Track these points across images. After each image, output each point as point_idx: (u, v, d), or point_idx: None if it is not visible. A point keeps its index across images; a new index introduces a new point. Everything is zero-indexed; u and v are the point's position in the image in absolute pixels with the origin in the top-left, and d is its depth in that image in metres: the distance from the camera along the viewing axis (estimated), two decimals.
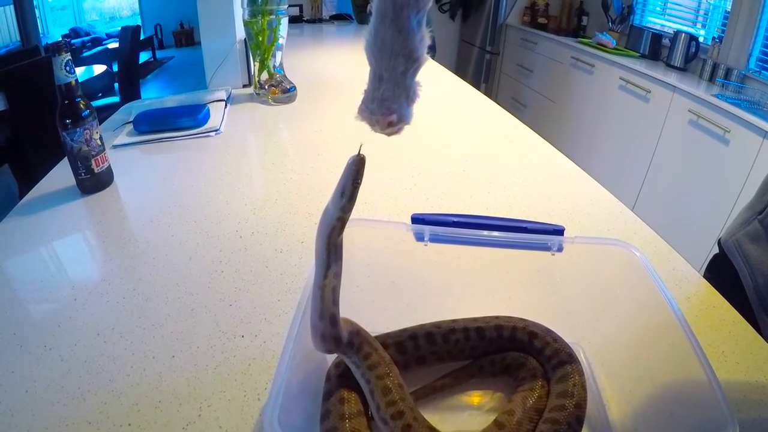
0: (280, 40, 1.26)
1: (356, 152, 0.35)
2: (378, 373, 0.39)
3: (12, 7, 4.53)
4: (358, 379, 0.41)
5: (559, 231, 0.47)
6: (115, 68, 3.24)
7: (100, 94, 3.25)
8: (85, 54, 5.31)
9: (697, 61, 2.43)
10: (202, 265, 0.63)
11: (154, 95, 4.11)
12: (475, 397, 0.47)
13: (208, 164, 0.94)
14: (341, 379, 0.42)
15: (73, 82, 0.74)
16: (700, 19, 2.60)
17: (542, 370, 0.45)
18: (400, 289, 0.52)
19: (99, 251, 0.68)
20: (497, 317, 0.48)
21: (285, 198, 0.80)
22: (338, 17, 3.13)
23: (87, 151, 0.77)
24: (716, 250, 0.73)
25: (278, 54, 1.28)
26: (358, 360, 0.40)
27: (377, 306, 0.50)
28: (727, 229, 0.70)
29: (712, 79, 2.28)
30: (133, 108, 1.15)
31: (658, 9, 2.90)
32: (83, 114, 0.75)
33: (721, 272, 0.69)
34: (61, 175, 0.84)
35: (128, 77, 2.87)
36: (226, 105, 1.24)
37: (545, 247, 0.47)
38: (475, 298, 0.53)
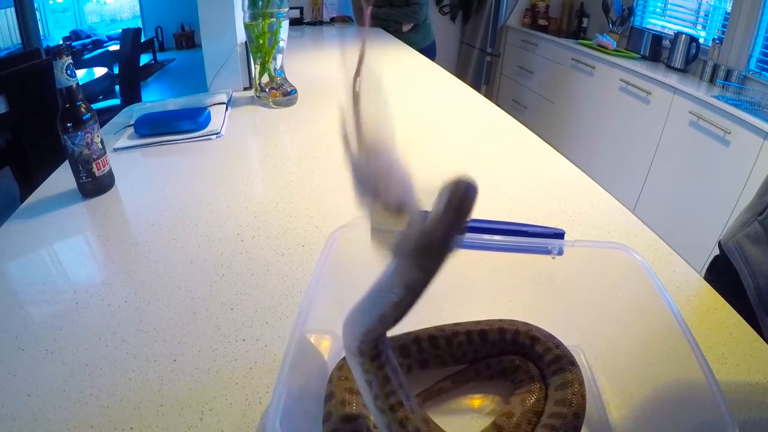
0: (281, 43, 1.26)
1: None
2: (378, 363, 0.39)
3: (13, 9, 4.54)
4: (355, 376, 0.40)
5: (559, 234, 0.47)
6: (116, 70, 3.25)
7: (101, 97, 3.26)
8: (86, 56, 5.31)
9: (698, 62, 2.43)
10: (204, 269, 0.63)
11: (155, 97, 4.12)
12: (476, 400, 0.47)
13: (209, 167, 0.95)
14: (343, 381, 0.42)
15: (74, 86, 0.74)
16: (701, 20, 2.61)
17: (539, 373, 0.45)
18: None
19: (100, 255, 0.68)
20: (500, 321, 0.48)
21: (286, 201, 0.80)
22: (338, 19, 3.14)
23: (88, 155, 0.77)
24: (717, 252, 0.73)
25: (279, 57, 1.28)
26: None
27: None
28: (728, 231, 0.70)
29: (712, 80, 2.28)
30: (134, 111, 1.15)
31: (658, 10, 2.90)
32: (84, 118, 0.75)
33: (722, 274, 0.69)
34: (62, 179, 0.84)
35: (129, 79, 2.88)
36: (227, 108, 1.24)
37: (546, 251, 0.47)
38: (477, 302, 0.53)
